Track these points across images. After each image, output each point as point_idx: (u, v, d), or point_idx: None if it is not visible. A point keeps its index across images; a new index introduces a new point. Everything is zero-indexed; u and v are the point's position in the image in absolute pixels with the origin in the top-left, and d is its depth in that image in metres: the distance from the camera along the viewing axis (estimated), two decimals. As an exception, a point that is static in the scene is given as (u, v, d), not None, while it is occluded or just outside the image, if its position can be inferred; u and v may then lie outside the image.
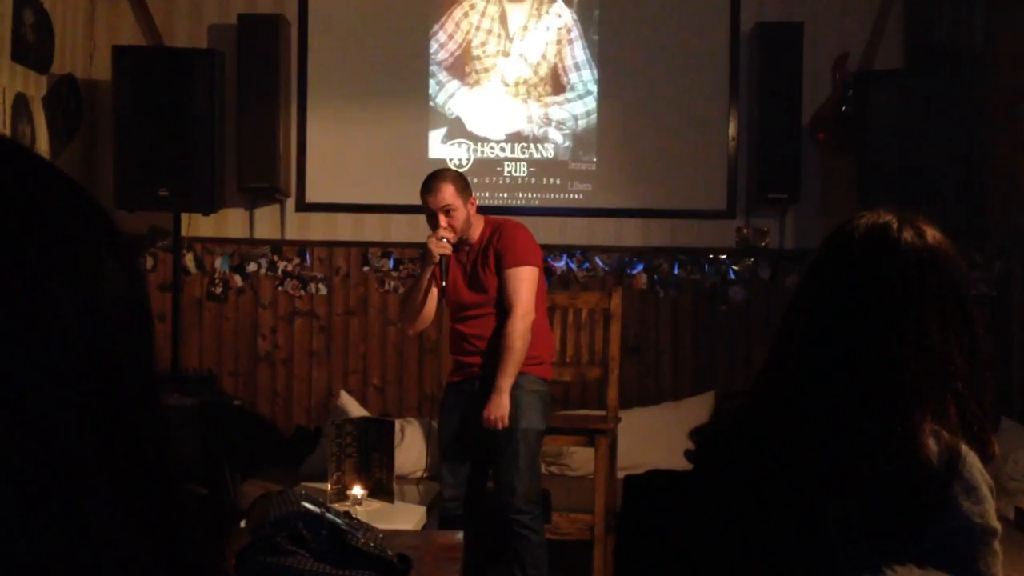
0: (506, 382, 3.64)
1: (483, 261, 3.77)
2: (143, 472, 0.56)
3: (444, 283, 3.72)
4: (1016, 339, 4.98)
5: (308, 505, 1.79)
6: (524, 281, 3.71)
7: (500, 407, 3.63)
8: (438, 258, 3.69)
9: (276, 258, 5.37)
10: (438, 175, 3.82)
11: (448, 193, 3.71)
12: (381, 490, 3.86)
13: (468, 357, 3.80)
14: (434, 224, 3.73)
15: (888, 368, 1.39)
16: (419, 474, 4.54)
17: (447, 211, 3.69)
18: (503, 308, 3.73)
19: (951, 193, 4.64)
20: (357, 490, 3.73)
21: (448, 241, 3.69)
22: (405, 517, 3.74)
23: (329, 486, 3.80)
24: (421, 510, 3.94)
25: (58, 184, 0.57)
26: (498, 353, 3.69)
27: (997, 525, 1.36)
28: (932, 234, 1.48)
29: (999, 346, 4.81)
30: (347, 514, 1.93)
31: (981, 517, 1.35)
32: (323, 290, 5.37)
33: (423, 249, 3.86)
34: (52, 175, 0.57)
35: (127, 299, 0.57)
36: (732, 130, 5.34)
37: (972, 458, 1.37)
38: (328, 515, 1.80)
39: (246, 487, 4.53)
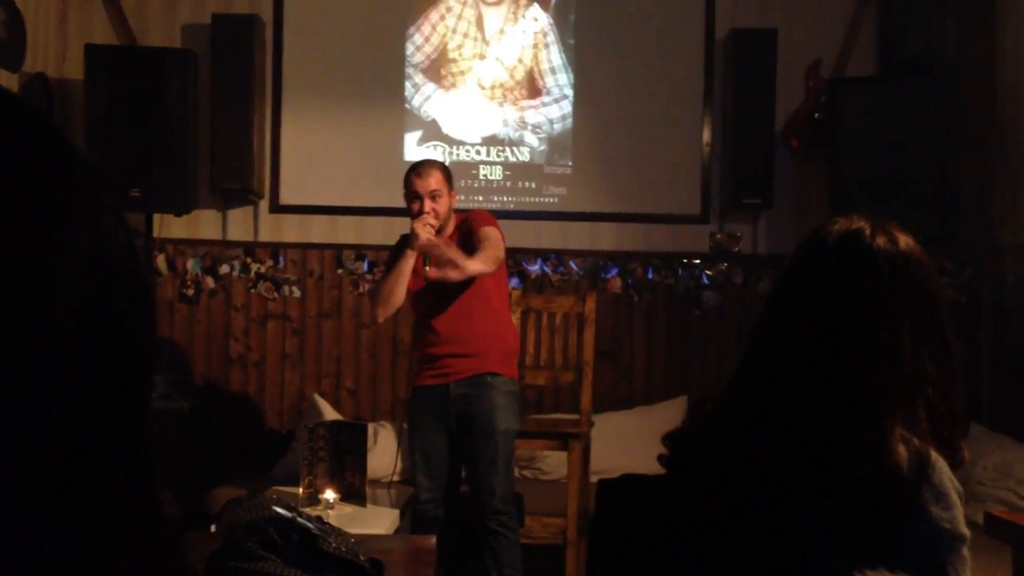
0: (471, 262, 3.53)
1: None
2: (130, 464, 0.54)
3: (428, 267, 3.70)
4: (986, 345, 5.02)
5: (279, 510, 1.78)
6: (498, 233, 3.71)
7: (447, 251, 3.51)
8: (423, 242, 3.66)
9: (249, 260, 5.34)
10: (428, 161, 3.94)
11: (437, 178, 3.75)
12: (353, 494, 3.84)
13: (439, 352, 3.76)
14: (417, 210, 3.71)
15: (860, 373, 1.40)
16: (392, 478, 4.52)
17: (434, 196, 3.71)
18: (475, 298, 3.73)
19: (922, 199, 4.68)
20: (329, 494, 3.71)
21: (432, 227, 3.68)
22: (378, 521, 3.72)
23: (301, 490, 3.78)
24: (394, 514, 3.93)
25: (60, 147, 0.55)
26: (470, 344, 3.70)
27: (966, 531, 1.37)
28: (904, 240, 1.49)
29: (969, 352, 4.85)
30: (319, 519, 1.92)
31: (950, 523, 1.35)
32: (296, 292, 5.35)
33: (402, 238, 3.83)
34: (55, 138, 0.55)
35: (120, 265, 0.55)
36: (706, 135, 5.36)
37: (941, 464, 1.38)
38: (299, 520, 1.78)
39: (217, 491, 4.50)
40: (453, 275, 3.52)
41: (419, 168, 3.81)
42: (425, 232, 3.65)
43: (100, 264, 0.53)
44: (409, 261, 3.70)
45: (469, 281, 3.72)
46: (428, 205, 3.70)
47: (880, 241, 1.46)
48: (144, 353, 0.56)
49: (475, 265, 3.54)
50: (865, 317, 1.43)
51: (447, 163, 5.30)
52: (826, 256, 1.48)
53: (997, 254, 5.00)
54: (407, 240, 3.76)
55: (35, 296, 0.50)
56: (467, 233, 3.74)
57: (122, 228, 0.56)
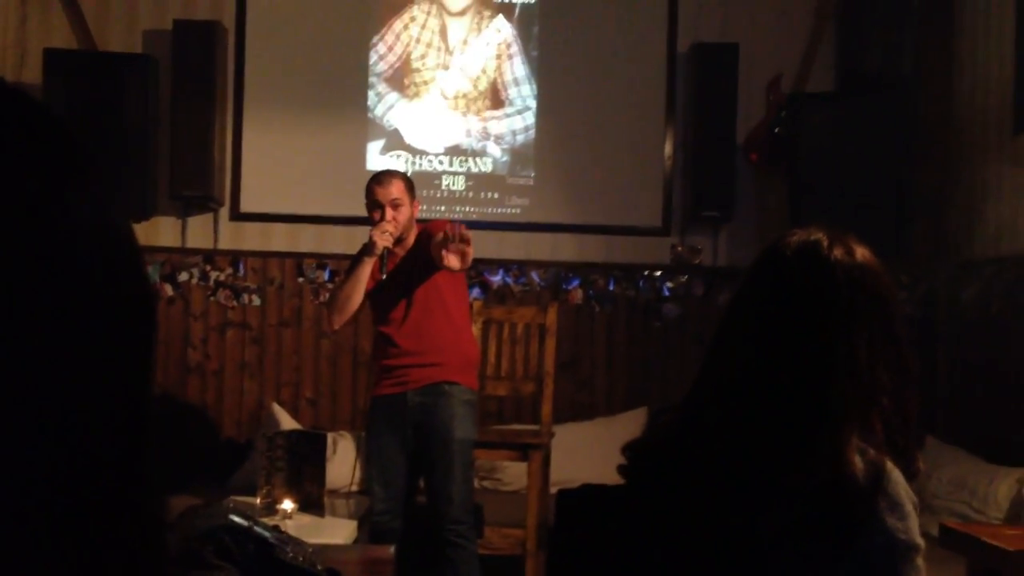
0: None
1: (413, 259, 3.76)
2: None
3: (384, 276, 3.70)
4: (941, 358, 5.09)
5: (236, 518, 1.76)
6: None
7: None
8: (381, 250, 3.67)
9: (208, 268, 5.29)
10: (389, 171, 3.95)
11: (398, 187, 3.75)
12: (311, 504, 3.82)
13: (398, 363, 3.75)
14: (378, 218, 3.71)
15: (816, 383, 1.41)
16: (350, 488, 4.49)
17: (395, 204, 3.71)
18: (435, 309, 3.72)
19: (880, 213, 4.74)
20: (287, 504, 3.68)
21: (390, 235, 3.68)
22: (336, 531, 3.70)
23: (259, 500, 3.75)
24: (352, 524, 3.90)
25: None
26: (430, 354, 3.69)
27: (920, 541, 1.39)
28: (861, 252, 1.50)
29: (924, 365, 4.91)
30: (276, 528, 1.90)
31: (905, 533, 1.37)
32: (256, 301, 5.31)
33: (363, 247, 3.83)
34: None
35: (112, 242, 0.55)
36: (668, 148, 5.40)
37: (896, 475, 1.39)
38: (256, 529, 1.77)
39: (173, 500, 4.45)
40: (456, 263, 3.43)
41: (380, 177, 3.81)
42: (383, 240, 3.66)
43: (103, 235, 0.53)
44: (366, 268, 3.70)
45: (426, 290, 3.72)
46: (389, 214, 3.70)
47: (837, 253, 1.48)
48: (145, 328, 0.55)
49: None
50: (821, 328, 1.44)
51: (409, 173, 5.30)
52: (784, 267, 1.49)
53: (952, 268, 5.07)
54: (366, 249, 3.75)
55: (41, 267, 0.49)
56: (426, 239, 3.73)
57: (116, 201, 0.56)
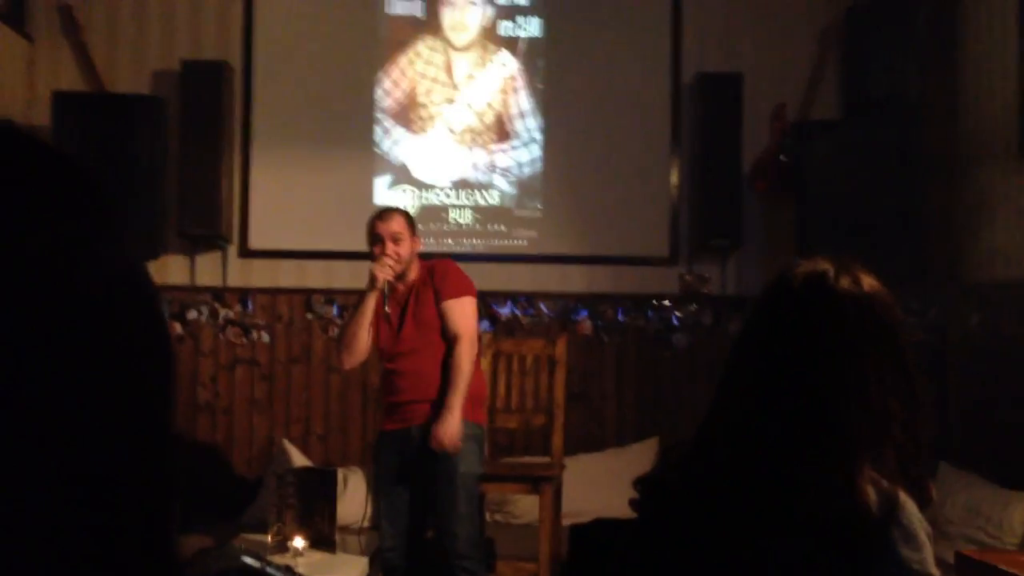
0: (456, 401, 3.59)
1: (419, 298, 3.77)
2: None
3: (388, 309, 3.71)
4: (952, 383, 5.06)
5: (248, 560, 1.76)
6: (467, 310, 3.74)
7: (452, 426, 3.57)
8: (382, 283, 3.68)
9: (217, 305, 5.30)
10: (390, 207, 4.03)
11: (398, 222, 3.77)
12: (323, 541, 3.81)
13: (403, 399, 3.75)
14: (379, 253, 3.73)
15: (827, 414, 1.41)
16: (362, 524, 4.48)
17: (395, 239, 3.72)
18: (438, 346, 3.72)
19: (889, 238, 4.73)
20: (298, 541, 3.67)
21: (390, 269, 3.70)
22: (347, 568, 3.68)
23: (270, 537, 3.74)
24: (363, 561, 3.89)
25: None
26: (434, 391, 3.68)
27: (935, 572, 1.38)
28: (868, 282, 1.50)
29: (936, 391, 4.88)
30: (288, 568, 1.89)
31: (919, 564, 1.36)
32: (265, 337, 5.31)
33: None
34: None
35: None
36: (674, 178, 5.41)
37: (910, 505, 1.38)
38: (269, 570, 1.76)
39: (184, 539, 4.43)
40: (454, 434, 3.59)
41: (381, 212, 3.87)
42: (383, 274, 3.67)
43: (127, 278, 0.54)
44: (369, 303, 3.71)
45: (430, 326, 3.72)
46: (390, 248, 3.71)
47: (844, 283, 1.48)
48: (165, 366, 0.56)
49: (459, 400, 3.61)
50: (830, 358, 1.44)
51: (417, 207, 5.33)
52: (791, 299, 1.49)
53: (962, 293, 5.06)
54: (368, 285, 3.77)
55: (73, 312, 0.50)
56: (433, 289, 3.74)
57: (134, 244, 0.57)
